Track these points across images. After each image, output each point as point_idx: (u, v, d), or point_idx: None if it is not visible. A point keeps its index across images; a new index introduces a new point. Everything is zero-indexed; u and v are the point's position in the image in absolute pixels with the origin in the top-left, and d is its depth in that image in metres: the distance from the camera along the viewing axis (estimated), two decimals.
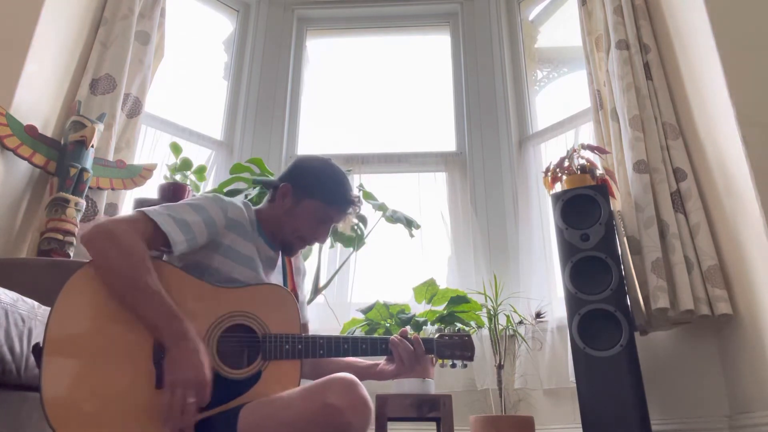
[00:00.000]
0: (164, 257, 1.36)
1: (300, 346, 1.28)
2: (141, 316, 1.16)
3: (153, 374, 1.14)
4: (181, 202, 1.35)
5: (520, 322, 2.58)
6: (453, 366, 1.50)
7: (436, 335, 1.51)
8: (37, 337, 1.31)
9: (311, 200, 1.46)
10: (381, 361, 1.49)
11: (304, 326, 1.61)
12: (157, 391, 1.14)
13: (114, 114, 2.48)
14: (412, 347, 1.41)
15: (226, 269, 1.32)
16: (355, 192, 1.55)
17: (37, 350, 1.12)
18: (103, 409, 1.09)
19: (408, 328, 2.10)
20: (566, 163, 2.44)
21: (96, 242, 1.18)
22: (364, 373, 1.48)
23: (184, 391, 1.10)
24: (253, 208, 1.51)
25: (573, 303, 2.15)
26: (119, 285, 1.17)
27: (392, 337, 1.43)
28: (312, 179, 1.49)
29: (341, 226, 2.50)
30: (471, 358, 1.51)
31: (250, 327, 1.28)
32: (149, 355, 1.16)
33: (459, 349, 1.50)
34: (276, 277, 1.51)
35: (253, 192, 2.44)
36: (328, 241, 2.55)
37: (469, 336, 1.52)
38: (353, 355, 1.38)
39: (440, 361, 1.52)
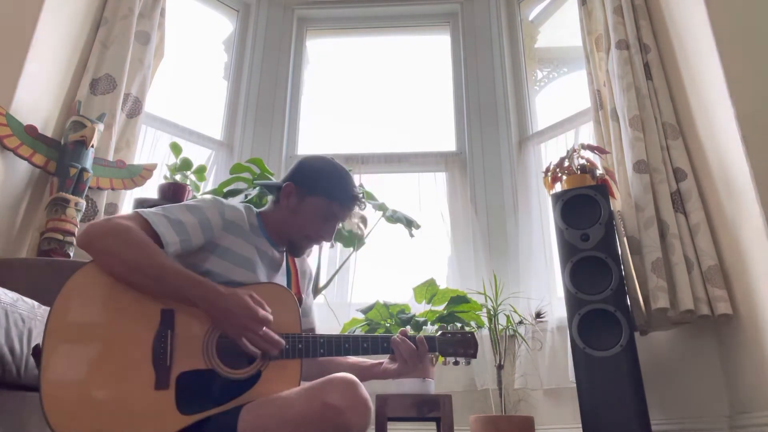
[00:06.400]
0: None
1: (300, 346, 1.28)
2: (166, 293, 1.19)
3: (153, 376, 1.14)
4: (178, 203, 1.35)
5: (520, 322, 2.58)
6: (456, 363, 1.47)
7: (438, 333, 1.49)
8: (37, 336, 1.31)
9: (315, 197, 1.47)
10: (384, 360, 1.49)
11: (311, 332, 1.60)
12: (156, 393, 1.14)
13: (114, 114, 2.48)
14: (414, 346, 1.41)
15: (223, 271, 1.32)
16: (358, 189, 1.55)
17: (37, 352, 1.12)
18: (103, 409, 1.09)
19: (408, 327, 2.08)
20: (566, 163, 2.44)
21: (99, 241, 1.18)
22: (368, 373, 1.48)
23: (253, 329, 1.20)
24: (257, 210, 1.51)
25: (573, 303, 2.15)
26: (133, 273, 1.18)
27: (394, 336, 1.42)
28: (314, 176, 1.50)
29: (347, 224, 2.49)
30: (474, 355, 1.48)
31: None
32: (149, 356, 1.16)
33: (462, 346, 1.47)
34: (280, 280, 1.50)
35: (253, 192, 2.44)
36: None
37: (471, 333, 1.50)
38: (354, 355, 1.37)
39: (441, 359, 1.50)
